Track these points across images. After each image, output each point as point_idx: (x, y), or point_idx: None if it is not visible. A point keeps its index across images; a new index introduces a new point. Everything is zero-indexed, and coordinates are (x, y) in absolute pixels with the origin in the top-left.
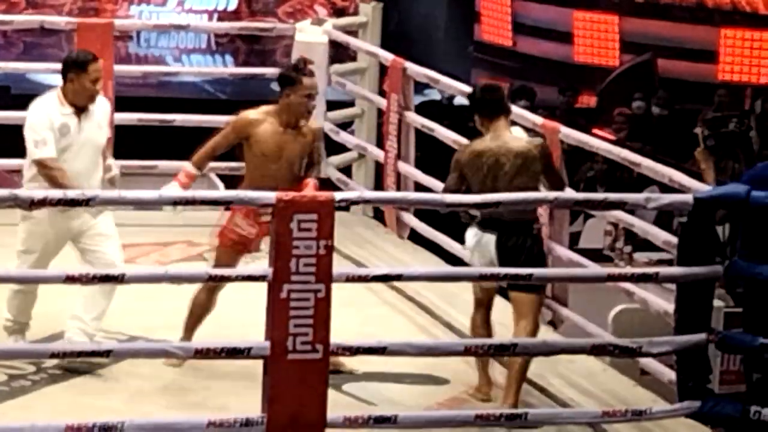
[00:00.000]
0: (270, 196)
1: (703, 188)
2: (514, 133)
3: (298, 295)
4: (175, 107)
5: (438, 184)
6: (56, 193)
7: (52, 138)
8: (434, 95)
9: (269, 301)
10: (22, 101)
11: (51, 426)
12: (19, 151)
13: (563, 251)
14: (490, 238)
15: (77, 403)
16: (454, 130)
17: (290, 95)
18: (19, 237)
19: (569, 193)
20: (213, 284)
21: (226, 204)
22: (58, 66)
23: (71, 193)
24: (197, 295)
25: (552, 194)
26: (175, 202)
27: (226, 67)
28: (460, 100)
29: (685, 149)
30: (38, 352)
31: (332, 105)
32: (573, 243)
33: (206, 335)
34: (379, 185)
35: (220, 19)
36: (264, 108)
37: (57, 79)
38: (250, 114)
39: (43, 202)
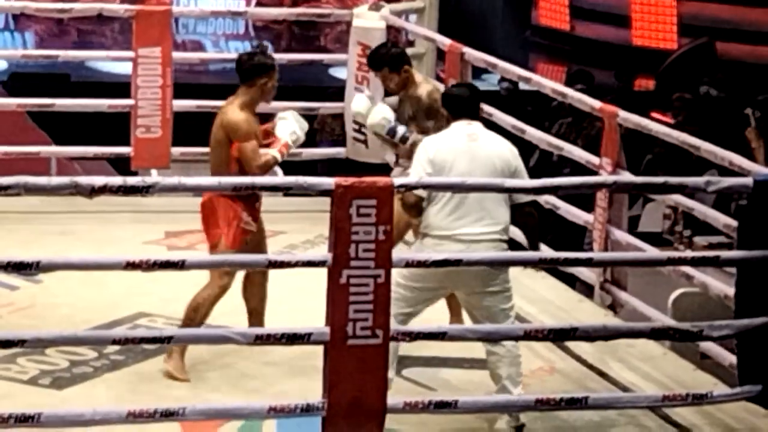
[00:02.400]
0: (329, 182)
1: (763, 171)
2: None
3: (358, 280)
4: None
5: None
6: (116, 180)
7: None
8: (492, 80)
9: (329, 287)
10: (81, 89)
11: (113, 412)
12: (80, 139)
13: (622, 235)
14: None
15: (138, 389)
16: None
17: (267, 82)
18: None
19: (628, 176)
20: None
21: (285, 190)
22: (119, 53)
23: (131, 180)
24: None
25: (611, 178)
26: (236, 188)
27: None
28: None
29: (738, 132)
30: (100, 339)
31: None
32: (632, 227)
33: (266, 321)
34: None
35: (260, 4)
36: (235, 101)
37: (115, 67)
38: (240, 111)
39: (102, 190)
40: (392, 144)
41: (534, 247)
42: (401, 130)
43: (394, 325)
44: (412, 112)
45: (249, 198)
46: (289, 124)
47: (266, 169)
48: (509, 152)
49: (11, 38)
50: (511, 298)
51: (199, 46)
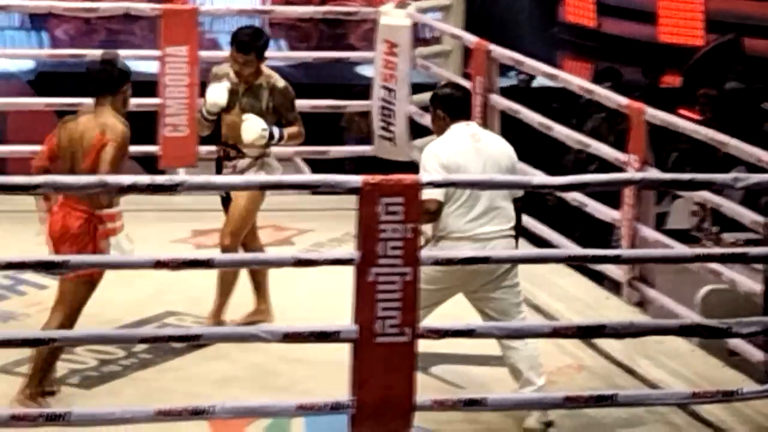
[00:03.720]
0: (356, 180)
1: None
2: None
3: (386, 278)
4: None
5: (523, 167)
6: (143, 179)
7: None
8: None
9: (357, 285)
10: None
11: (141, 410)
12: None
13: (650, 232)
14: None
15: (166, 388)
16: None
17: (128, 90)
18: None
19: (656, 173)
20: None
21: (313, 188)
22: (146, 52)
23: (159, 179)
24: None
25: (639, 175)
26: (263, 186)
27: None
28: (541, 82)
29: (758, 126)
30: (128, 337)
31: (417, 88)
32: (660, 224)
33: (293, 320)
34: None
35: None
36: (104, 111)
37: (142, 66)
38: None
39: (130, 188)
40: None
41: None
42: (276, 131)
43: (422, 323)
44: (273, 103)
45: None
46: (250, 125)
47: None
48: (509, 150)
49: (35, 37)
50: (521, 293)
51: (214, 44)
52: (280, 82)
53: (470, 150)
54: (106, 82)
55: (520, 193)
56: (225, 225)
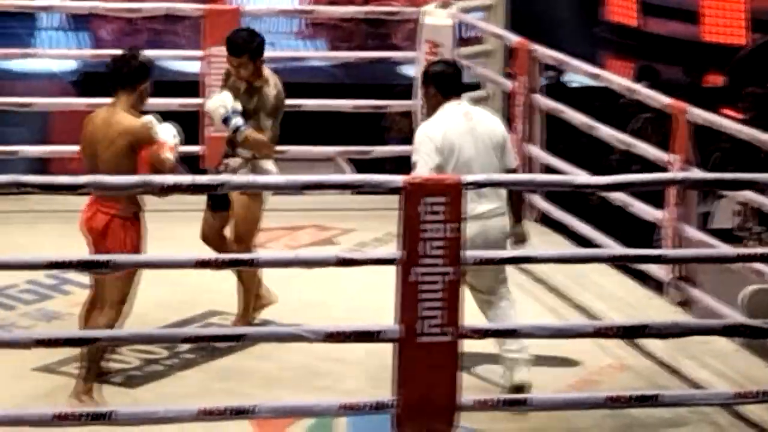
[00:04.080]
0: (398, 179)
1: None
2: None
3: (428, 278)
4: (303, 92)
5: (566, 167)
6: (186, 179)
7: None
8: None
9: (399, 285)
10: (151, 88)
11: (184, 410)
12: None
13: (693, 232)
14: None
15: (209, 388)
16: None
17: (146, 86)
18: None
19: (699, 173)
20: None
21: (355, 187)
22: (189, 53)
23: (201, 179)
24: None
25: (682, 174)
26: (305, 187)
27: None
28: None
29: None
30: (171, 337)
31: None
32: (703, 223)
33: (335, 319)
34: None
35: (332, 3)
36: (118, 107)
37: (185, 66)
38: (133, 117)
39: (173, 188)
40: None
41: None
42: (237, 121)
43: (465, 323)
44: (255, 106)
45: (137, 221)
46: (167, 127)
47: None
48: (500, 127)
49: (74, 38)
50: (505, 270)
51: None
52: (269, 88)
53: (464, 129)
54: (125, 76)
55: (513, 165)
56: (231, 231)
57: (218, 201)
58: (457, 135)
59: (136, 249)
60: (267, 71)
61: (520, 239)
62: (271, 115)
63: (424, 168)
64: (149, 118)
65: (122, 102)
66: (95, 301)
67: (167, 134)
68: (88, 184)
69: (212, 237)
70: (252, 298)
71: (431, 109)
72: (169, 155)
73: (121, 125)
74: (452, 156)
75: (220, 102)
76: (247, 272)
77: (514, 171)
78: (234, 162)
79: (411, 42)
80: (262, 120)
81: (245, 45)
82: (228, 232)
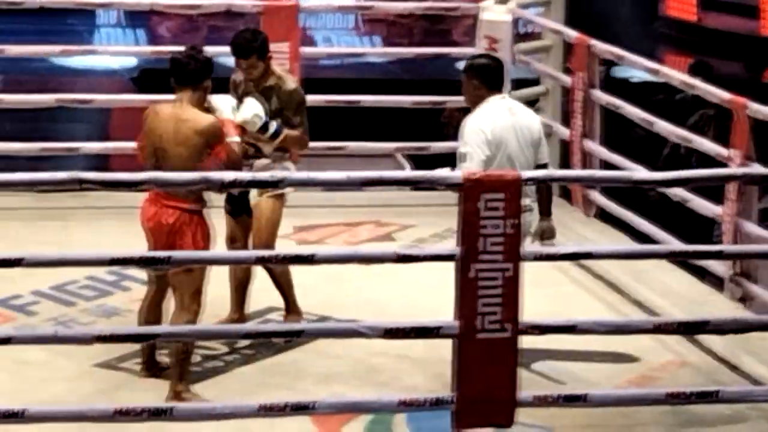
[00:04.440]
0: (458, 176)
1: None
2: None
3: (487, 274)
4: (359, 88)
5: (625, 162)
6: (245, 175)
7: None
8: (619, 72)
9: (458, 281)
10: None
11: (244, 405)
12: None
13: (753, 227)
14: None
15: (269, 383)
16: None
17: (210, 82)
18: None
19: (758, 168)
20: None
21: (414, 184)
22: None
23: (261, 175)
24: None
25: (741, 170)
26: (364, 183)
27: (410, 48)
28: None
29: None
30: (231, 333)
31: (517, 83)
32: (763, 219)
33: (394, 315)
34: (565, 163)
35: None
36: (184, 104)
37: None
38: (204, 113)
39: (232, 184)
40: (263, 140)
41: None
42: (274, 124)
43: (522, 318)
44: (279, 105)
45: (203, 217)
46: (227, 98)
47: (245, 157)
48: (537, 122)
49: (132, 34)
50: None
51: (310, 41)
52: (289, 85)
53: (509, 124)
54: (190, 73)
55: (546, 159)
56: (254, 237)
57: (239, 206)
58: (504, 129)
59: (206, 244)
60: (278, 69)
61: (549, 235)
62: (298, 112)
63: (474, 159)
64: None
65: (188, 99)
66: (158, 298)
67: (225, 105)
68: (148, 181)
69: (241, 241)
70: (293, 292)
71: (473, 102)
72: (236, 138)
73: (197, 124)
74: (499, 150)
75: (252, 111)
76: (281, 271)
77: (545, 166)
78: (260, 163)
79: (470, 38)
80: (291, 118)
81: (250, 45)
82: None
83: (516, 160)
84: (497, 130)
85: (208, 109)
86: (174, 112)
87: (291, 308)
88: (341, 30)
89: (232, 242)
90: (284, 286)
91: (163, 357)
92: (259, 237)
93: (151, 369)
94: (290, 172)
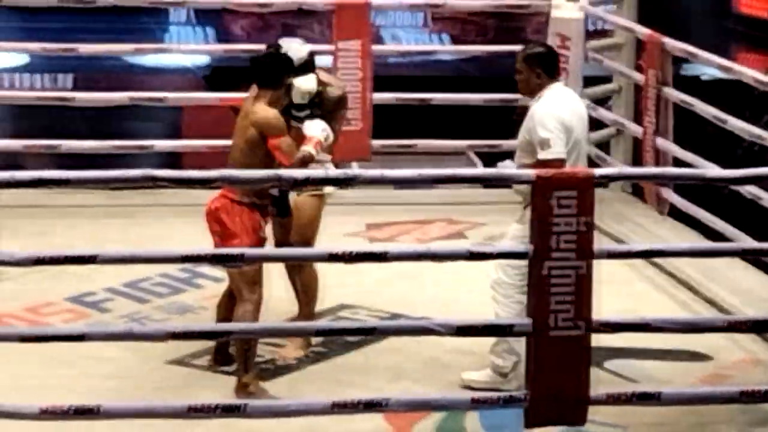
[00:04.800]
0: (530, 173)
1: None
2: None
3: (559, 272)
4: (430, 85)
5: (697, 159)
6: (318, 173)
7: None
8: (692, 70)
9: (530, 279)
10: None
11: (317, 403)
12: None
13: None
14: None
15: (341, 381)
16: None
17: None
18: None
19: None
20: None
21: (485, 181)
22: (319, 47)
23: (333, 172)
24: (310, 270)
25: None
26: (436, 180)
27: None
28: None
29: None
30: (303, 330)
31: (589, 81)
32: None
33: (466, 313)
34: (637, 161)
35: None
36: (260, 101)
37: (317, 60)
38: (269, 108)
39: (305, 182)
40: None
41: None
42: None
43: (594, 316)
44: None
45: (265, 206)
46: (318, 123)
47: (304, 164)
48: (586, 110)
49: (201, 32)
50: None
51: (378, 39)
52: (335, 90)
53: (574, 109)
54: (270, 74)
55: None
56: (294, 235)
57: (282, 208)
58: (572, 114)
59: (248, 231)
60: (323, 74)
61: None
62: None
63: (558, 143)
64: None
65: (265, 97)
66: (229, 291)
67: (315, 129)
68: (220, 178)
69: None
70: (313, 307)
71: (532, 91)
72: (311, 149)
73: (255, 115)
74: (570, 136)
75: (325, 132)
76: (308, 283)
77: None
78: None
79: (542, 35)
80: (330, 122)
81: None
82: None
83: (581, 144)
84: (567, 115)
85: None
86: (246, 108)
87: (305, 319)
88: (411, 28)
89: (278, 246)
90: (306, 298)
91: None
92: (300, 235)
93: (225, 364)
94: (356, 170)
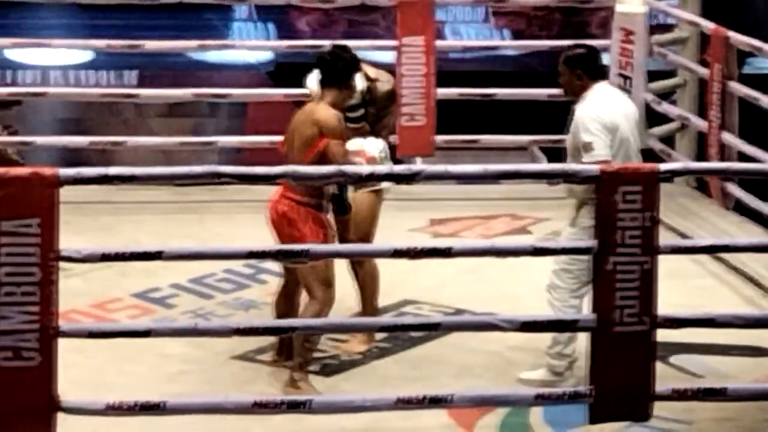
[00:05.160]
0: (594, 168)
1: None
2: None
3: (624, 267)
4: (493, 81)
5: (762, 154)
6: (382, 168)
7: None
8: (757, 64)
9: (595, 274)
10: None
11: (382, 398)
12: None
13: None
14: None
15: (405, 376)
16: None
17: (354, 80)
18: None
19: None
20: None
21: (549, 177)
22: (382, 42)
23: (397, 168)
24: (370, 265)
25: None
26: (500, 176)
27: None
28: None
29: None
30: (368, 326)
31: (653, 75)
32: None
33: (530, 309)
34: (701, 156)
35: None
36: (324, 101)
37: (379, 56)
38: (332, 109)
39: (369, 178)
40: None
41: None
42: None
43: (659, 311)
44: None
45: (324, 208)
46: (379, 143)
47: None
48: (635, 108)
49: (262, 29)
50: None
51: (439, 34)
52: (384, 84)
53: (619, 109)
54: (336, 73)
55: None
56: (352, 232)
57: (341, 206)
58: (616, 114)
59: (317, 236)
60: (369, 68)
61: None
62: (386, 111)
63: (601, 147)
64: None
65: (333, 97)
66: (288, 290)
67: (374, 149)
68: (284, 174)
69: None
70: (375, 301)
71: (575, 93)
72: (362, 162)
73: (317, 113)
74: (615, 135)
75: (383, 153)
76: (370, 277)
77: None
78: None
79: (605, 30)
80: (383, 117)
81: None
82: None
83: (628, 143)
84: (612, 115)
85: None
86: (311, 108)
87: (368, 314)
88: (471, 22)
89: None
90: (368, 292)
91: None
92: (358, 231)
93: (289, 359)
94: (420, 165)
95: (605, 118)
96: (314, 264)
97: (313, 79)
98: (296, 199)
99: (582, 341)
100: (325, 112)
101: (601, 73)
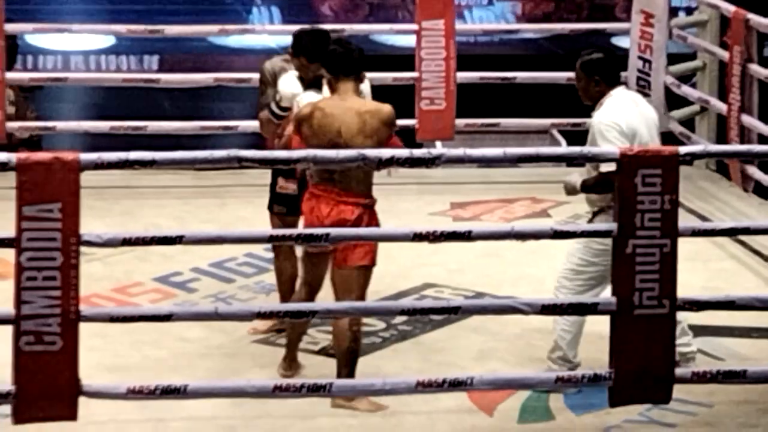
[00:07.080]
0: (614, 151)
1: None
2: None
3: (644, 250)
4: (514, 64)
5: None
6: (402, 152)
7: None
8: None
9: (615, 257)
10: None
11: (402, 381)
12: None
13: None
14: None
15: (426, 359)
16: None
17: None
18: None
19: None
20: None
21: (569, 160)
22: (402, 26)
23: (417, 152)
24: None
25: None
26: (520, 159)
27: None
28: None
29: None
30: (388, 309)
31: (673, 58)
32: None
33: (550, 292)
34: (722, 138)
35: None
36: (351, 95)
37: (399, 40)
38: None
39: (389, 162)
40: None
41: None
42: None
43: (679, 294)
44: None
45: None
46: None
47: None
48: (654, 112)
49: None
50: None
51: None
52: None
53: (637, 115)
54: (355, 64)
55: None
56: None
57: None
58: (635, 120)
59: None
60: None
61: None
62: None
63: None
64: None
65: (352, 89)
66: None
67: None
68: (305, 159)
69: None
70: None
71: (592, 99)
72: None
73: (382, 113)
74: (634, 141)
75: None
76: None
77: None
78: None
79: (628, 14)
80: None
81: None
82: None
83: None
84: (630, 121)
85: None
86: (349, 105)
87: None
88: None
89: None
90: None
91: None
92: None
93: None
94: (441, 149)
95: (623, 124)
96: (370, 270)
97: (288, 81)
98: (361, 203)
99: (585, 345)
100: (386, 110)
101: (618, 78)
